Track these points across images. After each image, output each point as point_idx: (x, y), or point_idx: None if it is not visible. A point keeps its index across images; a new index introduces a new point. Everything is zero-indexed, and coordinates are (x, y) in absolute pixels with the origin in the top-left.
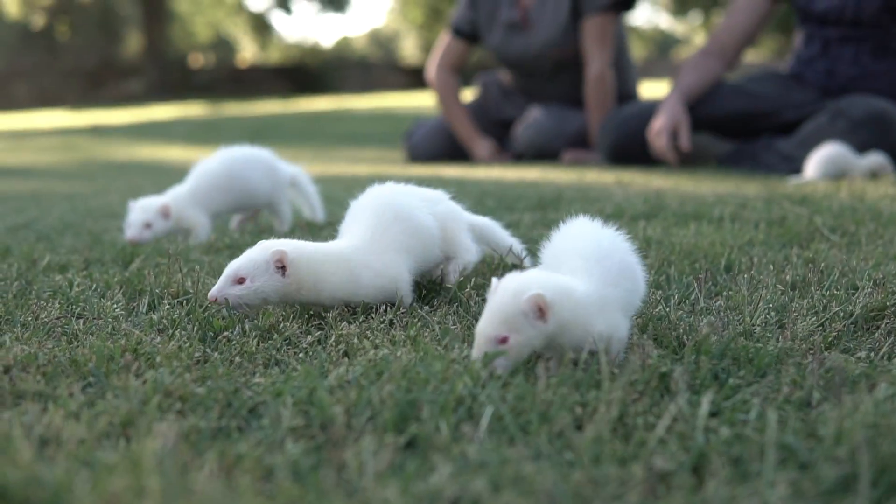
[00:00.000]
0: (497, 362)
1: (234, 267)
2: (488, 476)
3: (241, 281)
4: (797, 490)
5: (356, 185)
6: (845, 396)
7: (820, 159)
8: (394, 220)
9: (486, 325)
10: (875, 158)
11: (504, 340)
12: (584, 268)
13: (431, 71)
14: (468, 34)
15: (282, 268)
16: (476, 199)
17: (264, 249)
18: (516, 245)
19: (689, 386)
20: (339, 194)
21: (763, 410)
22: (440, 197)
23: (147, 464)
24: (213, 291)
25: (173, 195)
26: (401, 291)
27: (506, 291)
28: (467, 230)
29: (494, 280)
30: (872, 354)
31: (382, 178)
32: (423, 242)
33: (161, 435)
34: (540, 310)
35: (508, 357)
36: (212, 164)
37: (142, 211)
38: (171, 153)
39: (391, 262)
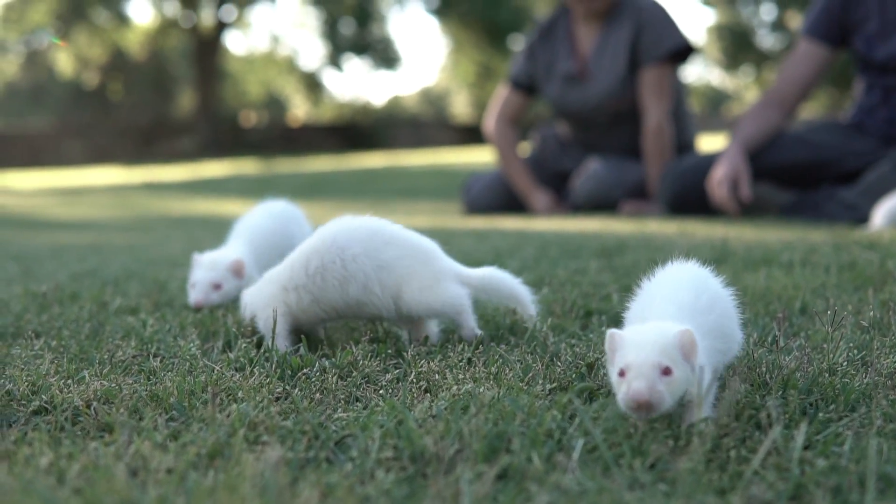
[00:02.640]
0: (663, 393)
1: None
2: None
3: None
4: None
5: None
6: None
7: (889, 208)
8: (311, 253)
9: (649, 354)
10: None
11: (668, 372)
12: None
13: (490, 124)
14: (526, 86)
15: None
16: (539, 248)
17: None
18: (528, 296)
19: (780, 419)
20: None
21: (857, 442)
22: (404, 240)
23: (246, 488)
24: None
25: (236, 250)
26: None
27: (653, 328)
28: (439, 279)
29: (611, 331)
30: None
31: (441, 230)
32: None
33: (261, 459)
34: (690, 346)
35: (671, 391)
36: (261, 219)
37: (209, 268)
38: (227, 207)
39: (271, 296)
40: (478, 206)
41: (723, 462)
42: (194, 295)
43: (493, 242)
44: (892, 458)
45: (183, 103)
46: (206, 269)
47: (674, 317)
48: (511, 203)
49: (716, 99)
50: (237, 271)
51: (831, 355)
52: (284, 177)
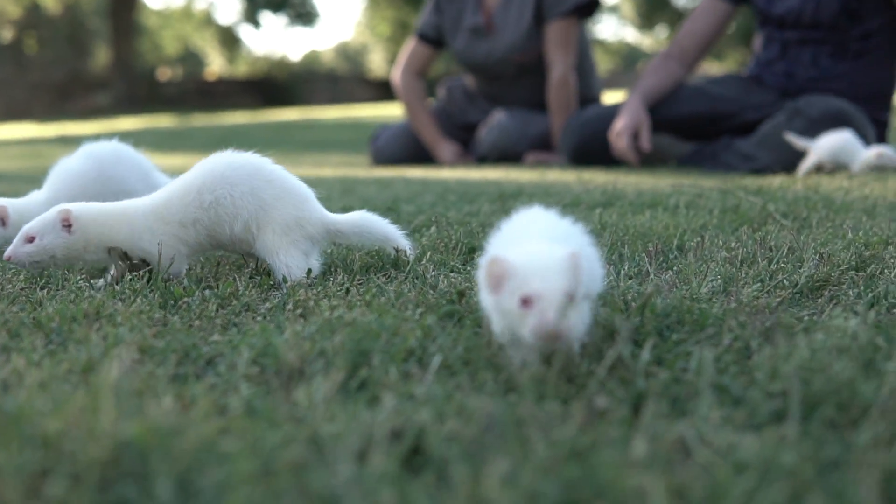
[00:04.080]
0: (575, 322)
1: (25, 227)
2: (433, 408)
3: (31, 240)
4: (729, 422)
5: (320, 185)
6: (782, 341)
7: (832, 145)
8: (196, 190)
9: (556, 282)
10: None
11: (571, 299)
12: None
13: (397, 76)
14: (433, 39)
15: (68, 226)
16: (438, 195)
17: (53, 209)
18: (398, 234)
19: (633, 339)
20: None
21: (702, 357)
22: (277, 178)
23: (104, 389)
24: (7, 251)
25: (27, 200)
26: (174, 260)
27: (543, 253)
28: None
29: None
30: (814, 316)
31: (347, 178)
32: (214, 216)
33: (117, 364)
34: (580, 269)
35: (582, 319)
36: (76, 162)
37: None
38: None
39: (173, 231)
40: (384, 157)
41: (571, 375)
42: None
43: (395, 190)
44: (729, 371)
45: (99, 59)
46: None
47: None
48: (418, 154)
49: (631, 56)
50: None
51: (697, 286)
52: (198, 130)
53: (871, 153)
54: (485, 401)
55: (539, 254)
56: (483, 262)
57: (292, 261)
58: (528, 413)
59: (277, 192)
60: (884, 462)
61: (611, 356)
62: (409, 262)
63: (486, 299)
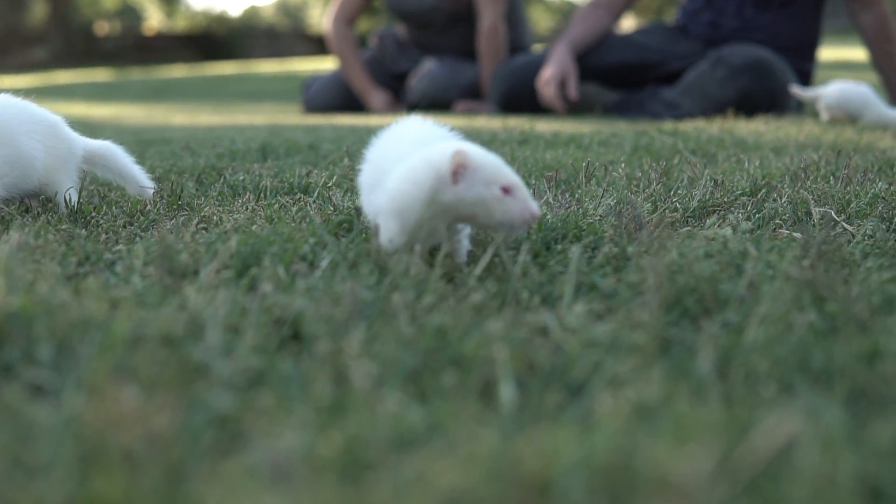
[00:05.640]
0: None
1: None
2: (310, 297)
3: None
4: (592, 313)
5: (250, 131)
6: (654, 245)
7: (839, 94)
8: None
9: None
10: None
11: None
12: None
13: (328, 24)
14: None
15: None
16: (360, 139)
17: None
18: (141, 173)
19: (521, 250)
20: (232, 135)
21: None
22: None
23: None
24: None
25: None
26: None
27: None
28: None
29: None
30: (697, 230)
31: (276, 125)
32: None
33: (7, 247)
34: None
35: None
36: None
37: None
38: (73, 110)
39: None
40: (316, 105)
41: (452, 276)
42: None
43: (321, 134)
44: (603, 272)
45: (35, 12)
46: None
47: None
48: (350, 103)
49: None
50: None
51: (592, 208)
52: (133, 83)
53: None
54: (356, 287)
55: (488, 152)
56: (366, 167)
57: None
58: (401, 301)
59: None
60: (724, 343)
61: (485, 258)
62: (317, 187)
63: (370, 205)
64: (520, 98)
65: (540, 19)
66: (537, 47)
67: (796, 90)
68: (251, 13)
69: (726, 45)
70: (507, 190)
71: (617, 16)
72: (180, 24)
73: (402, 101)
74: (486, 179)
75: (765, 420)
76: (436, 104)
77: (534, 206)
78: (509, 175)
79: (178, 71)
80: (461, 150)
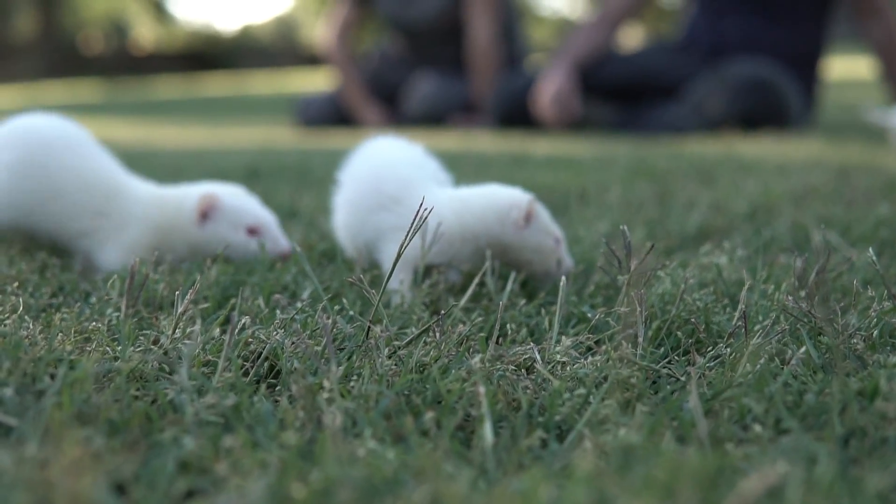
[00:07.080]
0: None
1: None
2: (288, 331)
3: None
4: (579, 345)
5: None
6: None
7: None
8: None
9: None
10: None
11: None
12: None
13: (325, 37)
14: (361, 0)
15: None
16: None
17: None
18: None
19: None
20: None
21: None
22: None
23: None
24: None
25: None
26: None
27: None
28: None
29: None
30: (691, 258)
31: (267, 148)
32: None
33: None
34: None
35: None
36: None
37: None
38: None
39: None
40: (315, 124)
41: (438, 307)
42: None
43: (311, 159)
44: (593, 303)
45: (22, 25)
46: None
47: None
48: (344, 120)
49: (569, 30)
50: None
51: (582, 232)
52: (123, 99)
53: None
54: (337, 320)
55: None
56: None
57: None
58: (382, 335)
59: None
60: (715, 379)
61: (471, 288)
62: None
63: (345, 230)
64: (521, 118)
65: (533, 31)
66: (534, 57)
67: (869, 115)
68: (245, 32)
69: (730, 59)
70: (558, 241)
71: (617, 31)
72: (172, 42)
73: (397, 115)
74: (543, 228)
75: (752, 469)
76: (432, 119)
77: (572, 263)
78: (554, 228)
79: (168, 86)
80: (529, 198)
